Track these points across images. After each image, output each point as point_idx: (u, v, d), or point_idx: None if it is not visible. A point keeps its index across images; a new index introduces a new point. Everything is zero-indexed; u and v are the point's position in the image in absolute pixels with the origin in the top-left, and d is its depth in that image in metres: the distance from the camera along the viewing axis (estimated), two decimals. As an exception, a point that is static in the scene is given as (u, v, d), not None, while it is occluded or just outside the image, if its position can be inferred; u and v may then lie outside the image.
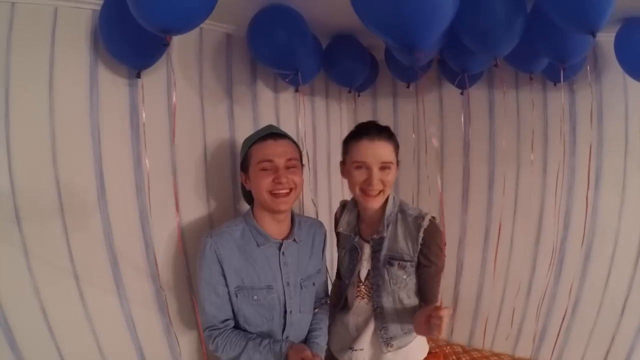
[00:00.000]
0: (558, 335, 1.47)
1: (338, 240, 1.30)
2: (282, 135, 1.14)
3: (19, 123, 0.97)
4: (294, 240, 1.16)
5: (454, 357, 1.76)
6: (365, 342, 1.19)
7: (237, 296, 1.09)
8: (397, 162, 1.13)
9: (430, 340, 1.85)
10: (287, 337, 1.14)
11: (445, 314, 0.92)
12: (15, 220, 0.98)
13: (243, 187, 1.22)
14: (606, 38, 0.91)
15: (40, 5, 1.00)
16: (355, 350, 1.20)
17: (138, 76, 1.13)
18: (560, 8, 0.90)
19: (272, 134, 1.13)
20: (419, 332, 1.09)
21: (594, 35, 0.89)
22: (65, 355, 1.05)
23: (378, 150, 1.07)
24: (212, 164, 1.39)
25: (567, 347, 1.58)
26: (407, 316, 1.15)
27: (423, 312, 1.03)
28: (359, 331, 1.21)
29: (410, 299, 1.15)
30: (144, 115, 1.15)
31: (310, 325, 1.22)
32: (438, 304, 1.08)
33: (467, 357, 1.74)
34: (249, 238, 1.12)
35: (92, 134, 1.10)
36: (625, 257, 1.48)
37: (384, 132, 1.10)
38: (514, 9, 1.03)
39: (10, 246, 0.97)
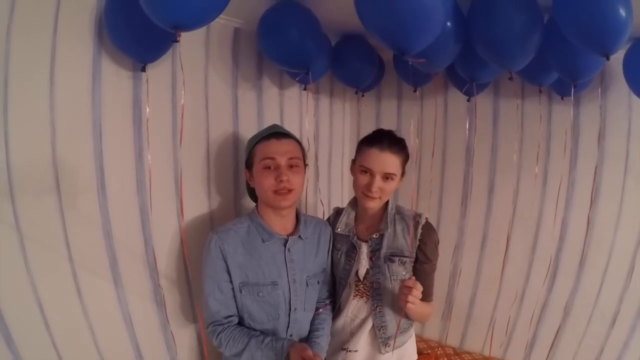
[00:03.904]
0: (552, 344, 1.51)
1: (332, 245, 1.30)
2: (286, 135, 1.16)
3: (18, 114, 0.93)
4: (299, 236, 1.18)
5: (445, 359, 1.80)
6: (360, 343, 1.21)
7: (241, 292, 1.11)
8: (403, 172, 1.18)
9: (422, 341, 1.90)
10: (290, 336, 1.16)
11: (409, 284, 1.04)
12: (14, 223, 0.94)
13: (248, 185, 1.22)
14: (615, 55, 0.92)
15: (43, -10, 0.95)
16: (350, 351, 1.21)
17: (143, 70, 1.09)
18: (576, 28, 0.90)
19: (276, 133, 1.14)
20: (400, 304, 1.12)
21: (607, 58, 0.89)
22: (63, 353, 1.03)
23: (384, 161, 1.12)
24: (215, 160, 1.37)
25: (556, 355, 1.62)
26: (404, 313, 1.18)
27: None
28: (354, 332, 1.22)
29: None
30: (147, 110, 1.12)
31: (313, 325, 1.23)
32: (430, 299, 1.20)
33: (458, 360, 1.78)
34: (255, 235, 1.14)
35: (94, 127, 1.06)
36: (618, 270, 1.52)
37: (396, 145, 1.14)
38: (532, 23, 1.02)
39: (8, 249, 0.94)
